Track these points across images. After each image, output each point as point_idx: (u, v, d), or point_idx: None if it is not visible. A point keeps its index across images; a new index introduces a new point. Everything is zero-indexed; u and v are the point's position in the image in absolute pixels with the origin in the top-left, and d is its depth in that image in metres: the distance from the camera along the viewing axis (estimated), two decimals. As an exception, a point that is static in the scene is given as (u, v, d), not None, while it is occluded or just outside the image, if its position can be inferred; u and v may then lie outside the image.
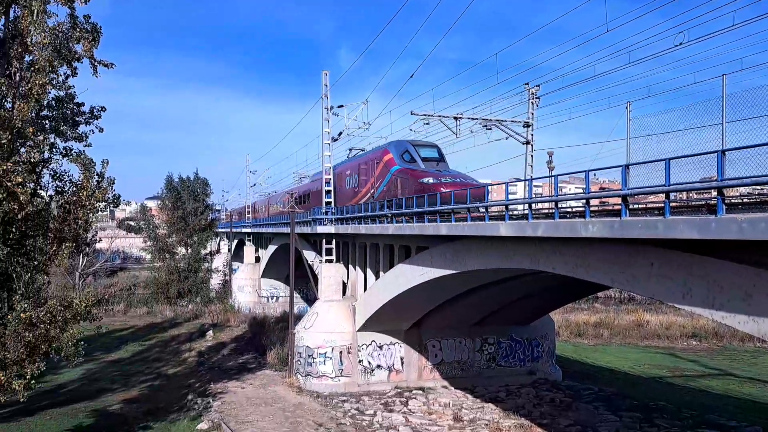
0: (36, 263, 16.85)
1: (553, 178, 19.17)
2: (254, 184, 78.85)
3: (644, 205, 17.44)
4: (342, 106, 35.49)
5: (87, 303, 17.23)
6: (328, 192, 36.45)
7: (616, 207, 16.22)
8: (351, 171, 37.11)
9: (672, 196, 12.85)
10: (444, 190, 24.60)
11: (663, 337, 49.30)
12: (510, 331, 33.66)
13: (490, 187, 22.59)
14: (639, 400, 29.77)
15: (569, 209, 19.42)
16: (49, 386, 30.92)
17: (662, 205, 12.73)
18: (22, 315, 15.49)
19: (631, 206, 14.29)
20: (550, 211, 17.67)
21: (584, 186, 15.77)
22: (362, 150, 38.20)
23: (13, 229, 15.88)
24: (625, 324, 52.69)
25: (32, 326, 15.77)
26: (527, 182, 21.78)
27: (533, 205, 18.26)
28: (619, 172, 14.26)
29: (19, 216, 15.62)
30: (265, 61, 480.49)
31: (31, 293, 16.62)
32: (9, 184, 15.09)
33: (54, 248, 16.83)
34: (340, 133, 36.18)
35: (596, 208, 17.25)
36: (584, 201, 15.67)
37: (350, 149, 40.77)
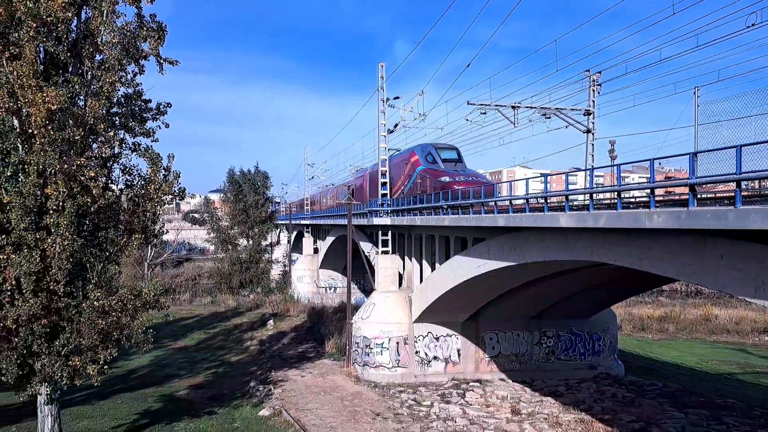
0: (108, 254, 17.71)
1: (615, 167, 18.63)
2: (312, 177, 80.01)
3: (713, 195, 16.76)
4: (398, 97, 35.56)
5: (155, 292, 17.98)
6: (383, 184, 36.62)
7: (682, 197, 15.65)
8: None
9: (743, 185, 12.28)
10: (456, 188, 27.46)
11: (732, 332, 47.23)
12: (570, 324, 33.02)
13: (549, 178, 22.20)
14: (706, 396, 28.69)
15: (632, 200, 18.87)
16: (121, 372, 32.44)
17: (733, 194, 12.20)
18: (95, 303, 16.33)
19: (699, 196, 13.74)
20: (612, 201, 17.20)
21: (647, 176, 15.25)
22: (398, 150, 40.75)
23: (87, 222, 16.73)
24: (691, 318, 50.77)
25: (105, 314, 16.60)
26: (588, 172, 21.25)
27: (594, 196, 17.81)
28: (685, 161, 13.73)
29: (92, 209, 16.46)
30: (323, 55, 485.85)
31: (104, 283, 17.48)
32: (82, 178, 15.92)
33: (124, 240, 17.62)
34: (396, 125, 36.27)
35: (661, 198, 16.69)
36: (649, 191, 15.15)
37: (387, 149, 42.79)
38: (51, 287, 15.96)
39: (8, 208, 15.43)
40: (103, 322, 16.51)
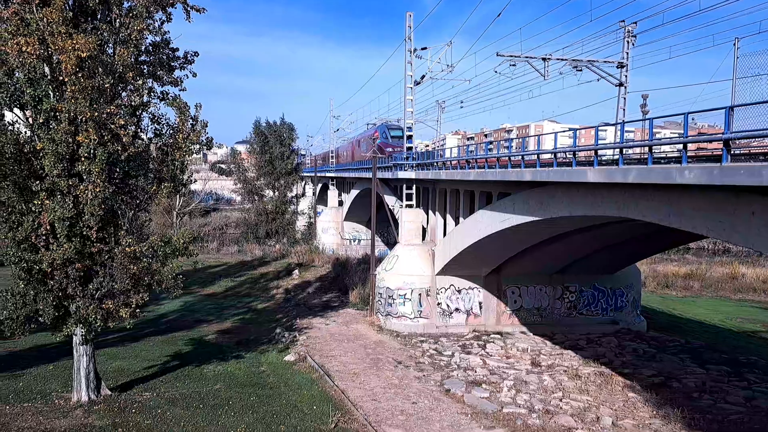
0: (138, 202, 18.11)
1: (647, 121, 18.23)
2: (337, 129, 79.70)
3: (747, 151, 16.36)
4: (425, 48, 34.92)
5: (184, 240, 18.41)
6: (409, 137, 36.40)
7: (715, 153, 15.32)
8: (361, 140, 56.90)
9: (780, 140, 11.97)
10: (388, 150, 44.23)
11: (759, 291, 46.69)
12: (593, 279, 33.00)
13: (578, 132, 21.86)
14: (728, 353, 28.69)
15: (662, 155, 18.51)
16: (152, 316, 33.55)
17: (768, 150, 11.89)
18: (127, 249, 16.80)
19: (732, 152, 13.41)
20: (643, 156, 16.91)
21: (679, 132, 14.91)
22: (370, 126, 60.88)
23: (117, 169, 17.05)
24: (717, 276, 50.26)
25: (136, 260, 17.08)
26: (619, 126, 20.83)
27: (624, 151, 17.50)
28: (720, 117, 13.36)
29: (122, 157, 16.74)
30: (348, 4, 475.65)
31: (135, 229, 17.96)
32: (112, 126, 16.15)
33: (154, 188, 17.95)
34: (423, 77, 35.71)
35: (693, 154, 16.36)
36: (681, 146, 14.85)
37: (368, 124, 64.13)
38: (84, 233, 16.43)
39: (42, 154, 15.79)
40: (135, 268, 17.00)
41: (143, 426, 16.58)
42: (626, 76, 29.83)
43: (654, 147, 16.44)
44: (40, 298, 16.89)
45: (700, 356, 27.96)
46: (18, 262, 16.24)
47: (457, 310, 32.06)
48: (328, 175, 74.88)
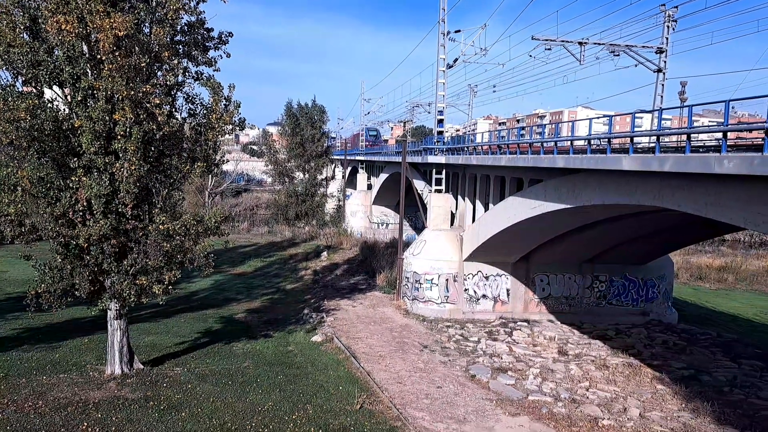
0: (172, 180, 18.38)
1: (686, 108, 17.77)
2: (368, 113, 79.68)
3: (790, 141, 15.82)
4: (459, 31, 34.61)
5: (216, 219, 18.67)
6: (440, 121, 36.16)
7: (756, 142, 14.89)
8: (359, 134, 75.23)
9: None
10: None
11: (797, 286, 45.49)
12: (624, 269, 32.55)
13: (613, 119, 21.44)
14: (762, 348, 28.08)
15: (700, 144, 18.05)
16: (184, 293, 34.19)
17: (813, 140, 11.50)
18: (160, 227, 17.12)
19: (774, 141, 13.00)
20: (680, 144, 16.52)
21: (718, 121, 14.50)
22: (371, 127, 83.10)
23: (152, 148, 17.32)
24: (753, 269, 49.07)
25: (169, 237, 17.40)
26: (656, 113, 20.35)
27: (660, 139, 17.12)
28: (762, 105, 12.99)
29: (157, 136, 16.99)
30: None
31: (168, 208, 18.24)
32: (148, 105, 16.39)
33: (187, 167, 18.19)
34: (456, 60, 35.39)
35: (732, 143, 15.91)
36: (720, 134, 14.45)
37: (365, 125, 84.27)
38: (119, 210, 16.80)
39: (79, 132, 16.12)
40: (168, 245, 17.32)
41: (174, 400, 16.99)
42: (665, 62, 29.10)
43: (692, 135, 16.05)
44: (76, 273, 17.35)
45: (732, 350, 27.43)
46: (56, 236, 16.66)
47: (484, 296, 31.96)
48: (357, 158, 74.96)
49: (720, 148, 14.33)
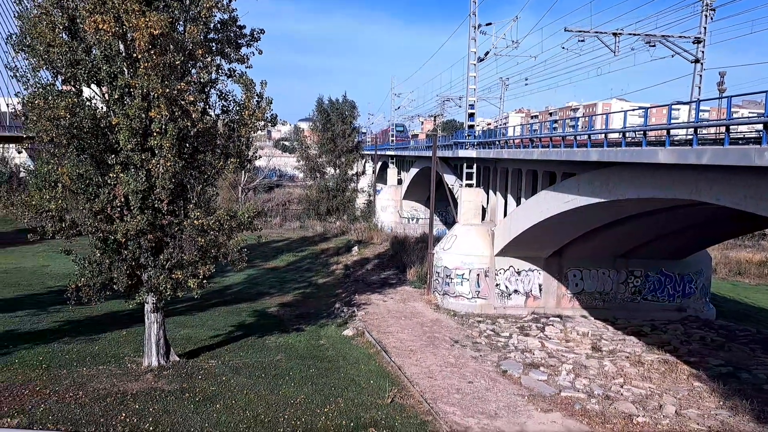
0: (206, 176, 18.68)
1: (725, 99, 17.33)
2: (398, 107, 79.63)
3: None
4: (490, 23, 34.35)
5: (249, 214, 18.89)
6: (471, 115, 35.92)
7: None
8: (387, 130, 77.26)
9: None
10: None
11: (841, 283, 44.02)
12: (660, 264, 31.92)
13: (649, 111, 21.02)
14: (805, 347, 27.25)
15: (739, 136, 17.58)
16: (218, 287, 34.75)
17: None
18: (195, 222, 17.42)
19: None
20: (718, 137, 16.11)
21: (759, 112, 14.10)
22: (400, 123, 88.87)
23: (187, 145, 17.62)
24: (795, 265, 47.63)
25: (204, 232, 17.69)
26: (694, 104, 19.88)
27: (698, 131, 16.72)
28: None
29: (191, 132, 17.29)
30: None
31: (203, 203, 18.53)
32: (183, 102, 16.67)
33: (221, 163, 18.45)
34: (487, 53, 35.16)
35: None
36: (761, 126, 14.05)
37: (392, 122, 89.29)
38: (156, 205, 17.14)
39: (116, 129, 16.49)
40: (203, 240, 17.62)
41: (209, 392, 17.32)
42: (703, 52, 28.38)
43: (731, 127, 15.64)
44: (114, 267, 17.78)
45: (773, 347, 26.70)
46: (95, 232, 17.10)
47: (516, 291, 31.71)
48: (388, 153, 74.96)
49: (761, 140, 13.93)
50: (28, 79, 16.66)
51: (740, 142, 16.43)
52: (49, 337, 22.56)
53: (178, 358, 20.12)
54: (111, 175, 16.75)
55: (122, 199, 16.90)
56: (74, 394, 16.50)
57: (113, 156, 16.84)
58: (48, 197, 16.83)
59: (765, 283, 43.98)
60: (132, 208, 16.89)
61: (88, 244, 18.58)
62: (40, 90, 16.34)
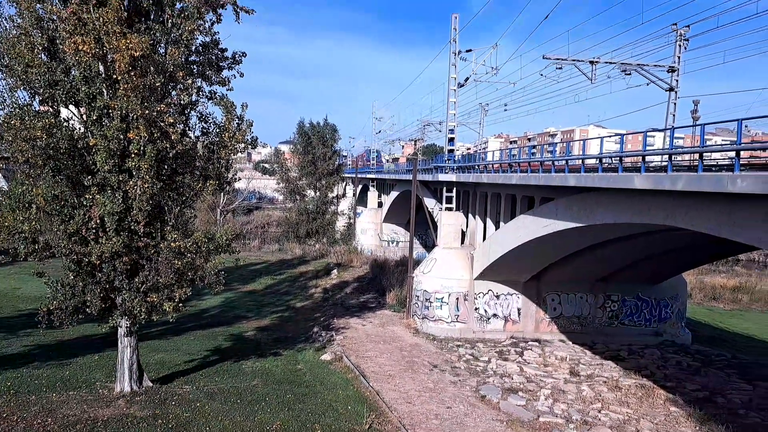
0: (184, 198, 18.49)
1: (698, 127, 17.73)
2: (379, 131, 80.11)
3: (805, 161, 15.75)
4: (470, 50, 34.79)
5: (227, 237, 18.72)
6: (451, 140, 36.24)
7: (770, 161, 14.79)
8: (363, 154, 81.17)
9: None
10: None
11: (814, 308, 44.79)
12: (637, 289, 32.24)
13: (625, 137, 21.42)
14: (779, 371, 27.59)
15: (712, 163, 17.97)
16: (194, 310, 34.20)
17: (827, 160, 11.41)
18: (172, 244, 17.19)
19: (788, 161, 12.93)
20: (692, 163, 16.44)
21: (731, 140, 14.45)
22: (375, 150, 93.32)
23: (165, 166, 17.46)
24: (768, 290, 48.43)
25: (181, 255, 17.45)
26: (668, 132, 20.31)
27: (673, 157, 17.05)
28: (776, 123, 12.88)
29: (170, 154, 17.14)
30: (393, 6, 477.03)
31: (180, 225, 18.32)
32: (162, 124, 16.55)
33: (200, 185, 18.29)
34: (467, 79, 35.59)
35: (745, 162, 15.83)
36: (734, 153, 14.38)
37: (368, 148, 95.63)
38: (132, 227, 16.90)
39: (94, 150, 16.31)
40: (179, 263, 17.37)
41: (182, 418, 16.92)
42: (677, 81, 29.09)
43: (705, 154, 15.98)
44: (88, 290, 17.42)
45: (747, 372, 27.00)
46: (68, 254, 16.76)
47: (494, 315, 31.73)
48: (368, 176, 75.17)
49: (733, 167, 14.25)
50: (5, 99, 16.43)
51: (714, 168, 16.79)
52: (18, 361, 21.93)
53: (151, 384, 19.68)
54: (87, 196, 16.49)
55: (98, 221, 16.62)
56: (42, 421, 16.00)
57: (90, 177, 16.61)
58: (21, 218, 16.50)
59: (739, 309, 44.60)
60: (108, 229, 16.61)
61: (61, 267, 18.21)
62: (17, 110, 16.12)
